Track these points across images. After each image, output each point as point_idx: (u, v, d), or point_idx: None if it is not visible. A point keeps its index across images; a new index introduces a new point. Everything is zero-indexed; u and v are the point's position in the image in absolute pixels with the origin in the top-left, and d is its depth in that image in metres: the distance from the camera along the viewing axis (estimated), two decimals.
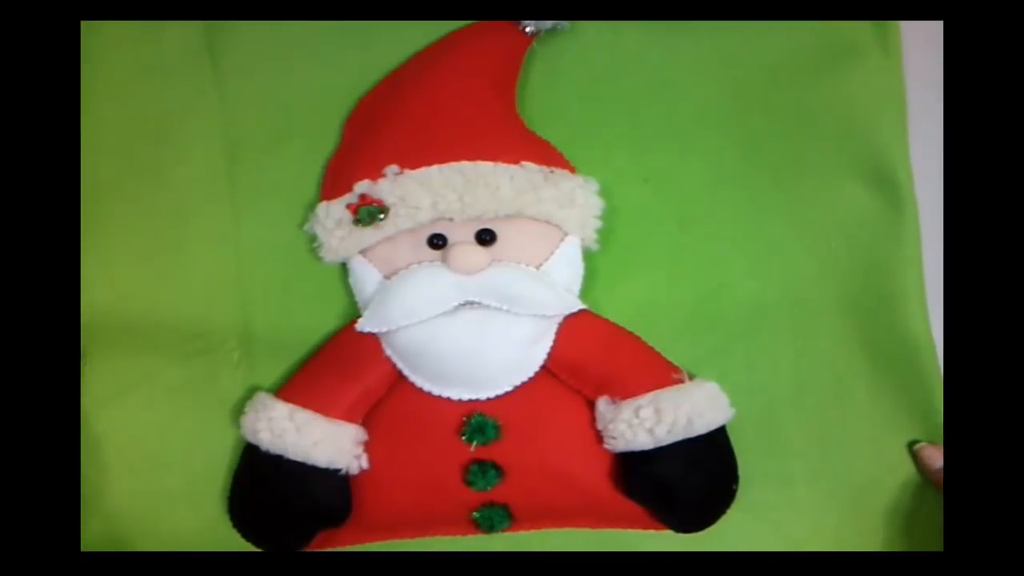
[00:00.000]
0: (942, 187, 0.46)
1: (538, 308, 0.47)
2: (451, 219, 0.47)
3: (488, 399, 0.47)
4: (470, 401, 0.47)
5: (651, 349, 0.49)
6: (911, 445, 0.50)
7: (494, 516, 0.48)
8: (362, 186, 0.48)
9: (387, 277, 0.48)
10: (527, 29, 0.51)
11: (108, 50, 0.52)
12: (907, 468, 0.50)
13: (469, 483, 0.47)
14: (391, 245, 0.48)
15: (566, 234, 0.49)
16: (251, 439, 0.47)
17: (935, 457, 0.49)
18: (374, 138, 0.50)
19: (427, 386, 0.47)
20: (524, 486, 0.48)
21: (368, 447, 0.48)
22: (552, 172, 0.49)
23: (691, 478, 0.47)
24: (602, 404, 0.47)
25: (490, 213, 0.47)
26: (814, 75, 0.52)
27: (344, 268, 0.50)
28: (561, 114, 0.52)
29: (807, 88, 0.52)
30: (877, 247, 0.51)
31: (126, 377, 0.50)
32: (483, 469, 0.47)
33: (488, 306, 0.46)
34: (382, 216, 0.47)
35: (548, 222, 0.48)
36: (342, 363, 0.48)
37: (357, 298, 0.49)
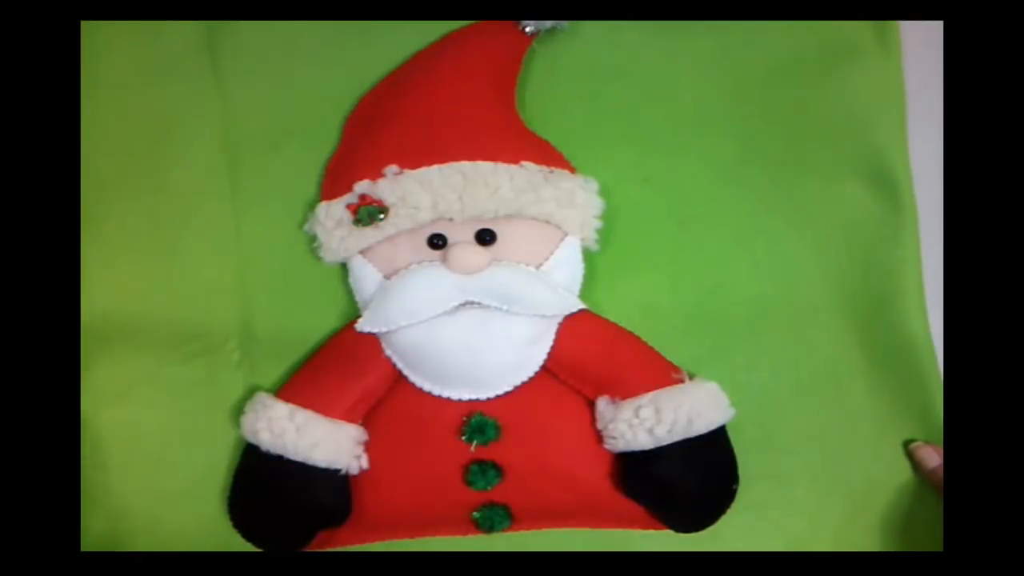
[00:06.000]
0: (941, 187, 0.46)
1: (538, 308, 0.47)
2: (451, 219, 0.47)
3: (488, 399, 0.47)
4: (470, 401, 0.47)
5: (651, 349, 0.49)
6: (907, 444, 0.50)
7: (494, 516, 0.48)
8: (362, 186, 0.48)
9: (387, 277, 0.48)
10: (527, 29, 0.51)
11: (108, 50, 0.52)
12: (906, 468, 0.50)
13: (469, 483, 0.47)
14: (391, 245, 0.48)
15: (566, 234, 0.49)
16: (251, 439, 0.47)
17: (930, 456, 0.49)
18: (374, 138, 0.50)
19: (427, 386, 0.47)
20: (524, 486, 0.48)
21: (368, 447, 0.48)
22: (552, 172, 0.49)
23: (691, 478, 0.47)
24: (602, 404, 0.47)
25: (490, 213, 0.47)
26: (814, 75, 0.52)
27: (344, 268, 0.50)
28: (561, 114, 0.52)
29: (807, 88, 0.52)
30: (876, 247, 0.51)
31: (126, 377, 0.50)
32: (483, 469, 0.47)
33: (488, 306, 0.46)
34: (382, 216, 0.47)
35: (548, 222, 0.48)
36: (342, 363, 0.48)
37: (357, 298, 0.49)
